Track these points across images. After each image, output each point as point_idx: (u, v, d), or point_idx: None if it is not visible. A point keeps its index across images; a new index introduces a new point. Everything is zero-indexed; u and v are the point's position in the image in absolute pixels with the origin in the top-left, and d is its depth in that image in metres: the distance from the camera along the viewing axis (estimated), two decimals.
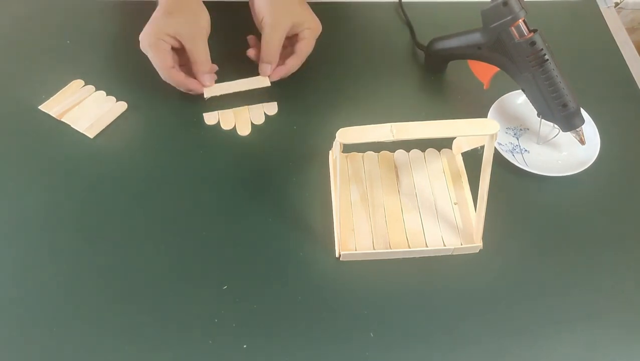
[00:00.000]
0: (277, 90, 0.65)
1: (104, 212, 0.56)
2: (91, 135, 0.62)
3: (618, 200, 0.59)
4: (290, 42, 0.64)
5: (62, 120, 0.62)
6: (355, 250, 0.53)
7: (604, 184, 0.60)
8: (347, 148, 0.60)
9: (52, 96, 0.65)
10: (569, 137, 0.60)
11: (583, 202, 0.59)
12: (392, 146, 0.61)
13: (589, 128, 0.62)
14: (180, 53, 0.61)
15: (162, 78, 0.61)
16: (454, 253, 0.54)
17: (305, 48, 0.62)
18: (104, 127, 0.62)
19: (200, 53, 0.60)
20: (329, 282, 0.52)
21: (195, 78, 0.62)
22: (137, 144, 0.62)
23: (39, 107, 0.63)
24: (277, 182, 0.59)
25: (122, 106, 0.64)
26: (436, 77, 0.70)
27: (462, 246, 0.54)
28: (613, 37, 0.75)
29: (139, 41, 0.59)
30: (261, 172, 0.60)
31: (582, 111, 0.59)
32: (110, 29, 0.73)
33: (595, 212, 0.58)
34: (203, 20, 0.60)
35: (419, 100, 0.68)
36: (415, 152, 0.61)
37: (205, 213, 0.56)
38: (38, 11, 0.75)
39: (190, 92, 0.63)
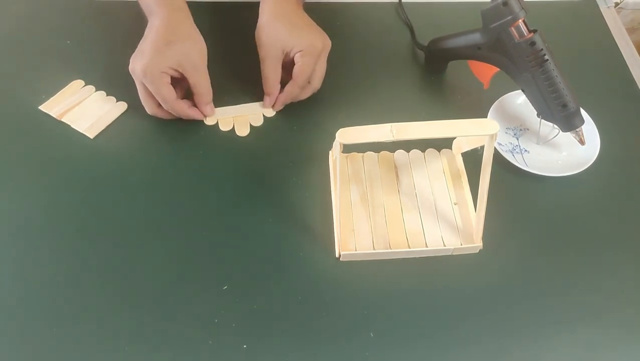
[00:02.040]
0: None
1: (104, 212, 0.56)
2: (91, 135, 0.62)
3: (618, 200, 0.59)
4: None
5: (62, 120, 0.63)
6: (355, 250, 0.53)
7: (604, 184, 0.60)
8: (347, 149, 0.60)
9: (52, 96, 0.65)
10: (568, 137, 0.60)
11: (583, 202, 0.59)
12: (392, 146, 0.61)
13: (589, 128, 0.62)
14: (175, 81, 0.59)
15: (165, 108, 0.60)
16: (454, 253, 0.54)
17: (298, 72, 0.60)
18: (104, 128, 0.62)
19: (204, 84, 0.60)
20: (329, 282, 0.52)
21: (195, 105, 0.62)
22: (137, 144, 0.62)
23: (39, 107, 0.64)
24: (277, 182, 0.59)
25: (122, 106, 0.64)
26: (436, 77, 0.70)
27: (462, 246, 0.54)
28: (613, 37, 0.75)
29: (137, 42, 0.58)
30: (261, 172, 0.60)
31: (582, 111, 0.59)
32: (111, 29, 0.73)
33: (595, 212, 0.58)
34: (203, 49, 0.59)
35: (419, 100, 0.68)
36: (415, 152, 0.61)
37: (206, 213, 0.56)
38: (38, 11, 0.75)
39: (188, 119, 0.62)
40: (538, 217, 0.57)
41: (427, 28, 0.72)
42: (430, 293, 0.52)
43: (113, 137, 0.62)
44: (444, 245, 0.54)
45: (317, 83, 0.63)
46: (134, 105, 0.64)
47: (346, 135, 0.46)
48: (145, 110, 0.61)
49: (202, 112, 0.62)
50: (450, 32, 0.64)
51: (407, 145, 0.62)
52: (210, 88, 0.61)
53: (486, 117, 0.63)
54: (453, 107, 0.67)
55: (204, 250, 0.54)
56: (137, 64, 0.56)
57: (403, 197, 0.58)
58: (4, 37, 0.71)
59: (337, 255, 0.53)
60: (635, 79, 0.70)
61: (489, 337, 0.50)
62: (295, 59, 0.60)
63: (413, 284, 0.52)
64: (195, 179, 0.59)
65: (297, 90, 0.62)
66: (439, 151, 0.61)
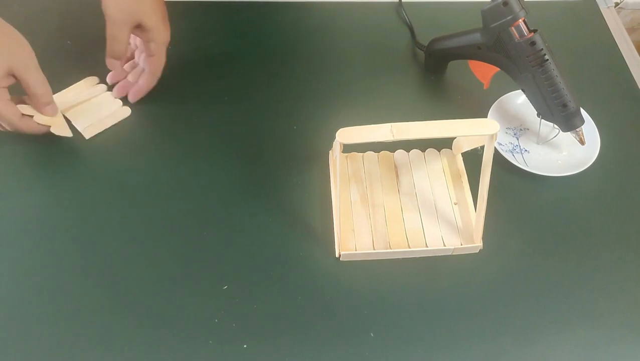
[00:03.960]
0: (273, 90, 0.65)
1: (103, 212, 0.56)
2: (87, 135, 0.61)
3: (618, 200, 0.59)
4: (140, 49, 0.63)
5: (66, 115, 0.62)
6: (355, 250, 0.53)
7: (604, 184, 0.60)
8: (347, 148, 0.60)
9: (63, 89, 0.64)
10: (568, 137, 0.60)
11: (583, 202, 0.59)
12: (392, 146, 0.61)
13: (589, 128, 0.62)
14: None
15: (11, 129, 0.56)
16: (454, 253, 0.54)
17: (159, 64, 0.61)
18: (101, 130, 0.62)
19: (39, 83, 0.55)
20: (329, 282, 0.52)
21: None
22: (137, 144, 0.62)
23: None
24: (277, 182, 0.59)
25: (126, 111, 0.64)
26: (436, 77, 0.70)
27: (462, 246, 0.54)
28: (613, 37, 0.75)
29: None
30: (261, 172, 0.60)
31: (582, 111, 0.59)
32: None
33: (595, 212, 0.58)
34: (27, 46, 0.54)
35: (419, 100, 0.68)
36: (415, 152, 0.61)
37: (205, 213, 0.56)
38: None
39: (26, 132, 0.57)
40: (538, 217, 0.57)
41: (427, 28, 0.72)
42: (430, 293, 0.52)
43: (111, 139, 0.62)
44: (444, 245, 0.54)
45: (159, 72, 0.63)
46: (137, 111, 0.64)
47: (346, 135, 0.46)
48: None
49: (44, 114, 0.57)
50: (451, 32, 0.64)
51: (407, 145, 0.62)
52: (49, 86, 0.56)
53: (486, 117, 0.63)
54: (453, 107, 0.67)
55: (204, 250, 0.54)
56: None
57: (403, 196, 0.58)
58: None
59: (337, 255, 0.53)
60: (635, 79, 0.70)
61: (489, 337, 0.50)
62: (153, 49, 0.60)
63: (413, 284, 0.52)
64: (195, 179, 0.59)
65: (153, 84, 0.62)
66: (439, 151, 0.61)
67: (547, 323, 0.50)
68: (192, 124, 0.63)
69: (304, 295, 0.51)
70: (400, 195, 0.58)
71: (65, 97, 0.64)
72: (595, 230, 0.57)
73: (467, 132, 0.47)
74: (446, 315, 0.51)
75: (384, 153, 0.61)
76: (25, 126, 0.56)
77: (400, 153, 0.61)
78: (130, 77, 0.65)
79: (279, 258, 0.54)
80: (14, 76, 0.53)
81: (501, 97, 0.65)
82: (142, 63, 0.64)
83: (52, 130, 0.58)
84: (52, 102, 0.58)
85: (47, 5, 0.75)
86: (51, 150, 0.60)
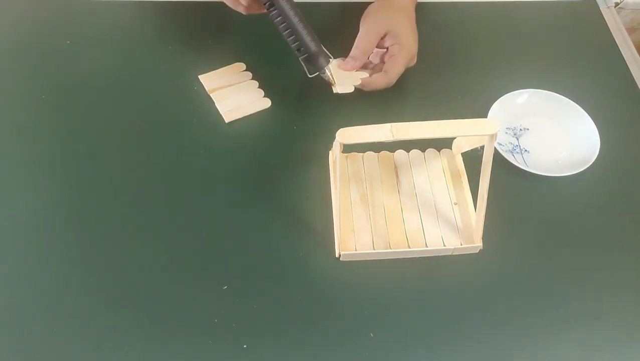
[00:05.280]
0: (276, 90, 0.65)
1: (103, 212, 0.56)
2: (227, 119, 0.63)
3: (618, 200, 0.59)
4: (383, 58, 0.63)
5: (212, 95, 0.64)
6: (355, 250, 0.53)
7: (604, 184, 0.60)
8: (347, 149, 0.60)
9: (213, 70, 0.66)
10: (568, 137, 0.60)
11: (583, 202, 0.59)
12: (392, 146, 0.61)
13: (589, 128, 0.62)
14: None
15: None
16: (454, 253, 0.54)
17: (392, 65, 0.60)
18: (241, 116, 0.63)
19: None
20: (329, 282, 0.52)
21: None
22: (137, 144, 0.62)
23: (199, 76, 0.66)
24: (277, 182, 0.59)
25: (266, 102, 0.64)
26: (436, 77, 0.70)
27: (462, 246, 0.54)
28: (613, 37, 0.75)
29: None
30: (261, 172, 0.60)
31: (582, 111, 0.59)
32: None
33: (595, 212, 0.58)
34: None
35: (419, 100, 0.68)
36: (415, 152, 0.61)
37: (206, 213, 0.56)
38: None
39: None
40: (538, 217, 0.57)
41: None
42: (430, 293, 0.52)
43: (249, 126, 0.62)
44: (444, 245, 0.54)
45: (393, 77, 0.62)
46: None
47: (346, 135, 0.46)
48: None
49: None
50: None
51: (407, 145, 0.62)
52: None
53: (486, 117, 0.63)
54: (453, 107, 0.67)
55: (204, 250, 0.54)
56: None
57: (403, 196, 0.58)
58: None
59: (337, 255, 0.53)
60: (635, 79, 0.70)
61: (489, 337, 0.50)
62: (392, 50, 0.60)
63: (413, 284, 0.52)
64: (195, 179, 0.59)
65: (382, 84, 0.61)
66: (439, 151, 0.61)
67: (547, 323, 0.50)
68: (192, 123, 0.63)
69: (304, 295, 0.51)
70: (400, 195, 0.58)
71: (212, 79, 0.66)
72: (595, 230, 0.57)
73: (467, 132, 0.47)
74: (446, 315, 0.51)
75: (384, 153, 0.61)
76: None
77: (400, 153, 0.61)
78: (372, 58, 0.64)
79: (279, 258, 0.54)
80: None
81: (501, 97, 0.65)
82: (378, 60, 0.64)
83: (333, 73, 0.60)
84: None
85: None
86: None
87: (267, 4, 0.55)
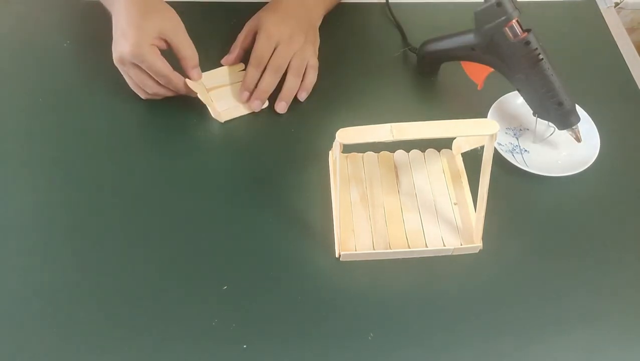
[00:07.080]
0: (275, 90, 0.65)
1: (101, 212, 0.56)
2: (222, 119, 0.63)
3: (618, 200, 0.59)
4: None
5: (210, 94, 0.64)
6: (355, 250, 0.53)
7: (604, 184, 0.60)
8: (347, 149, 0.60)
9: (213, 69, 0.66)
10: (568, 137, 0.60)
11: (583, 202, 0.59)
12: (392, 146, 0.61)
13: (589, 128, 0.62)
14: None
15: (163, 83, 0.60)
16: (454, 254, 0.54)
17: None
18: (236, 116, 0.63)
19: (188, 46, 0.60)
20: (329, 282, 0.52)
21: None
22: (136, 144, 0.62)
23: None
24: (277, 182, 0.59)
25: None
26: (436, 77, 0.70)
27: (462, 246, 0.54)
28: (613, 37, 0.75)
29: None
30: (261, 172, 0.60)
31: (582, 111, 0.59)
32: None
33: (595, 212, 0.58)
34: (175, 14, 0.60)
35: (419, 100, 0.68)
36: (415, 152, 0.61)
37: (205, 213, 0.56)
38: None
39: (177, 94, 0.63)
40: (538, 217, 0.57)
41: (419, 29, 0.71)
42: (430, 293, 0.52)
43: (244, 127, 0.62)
44: (444, 245, 0.54)
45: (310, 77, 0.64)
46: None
47: (346, 135, 0.46)
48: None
49: (190, 77, 0.62)
50: (441, 33, 0.64)
51: (407, 145, 0.62)
52: (195, 50, 0.60)
53: (486, 117, 0.63)
54: (453, 108, 0.67)
55: (203, 250, 0.54)
56: (124, 48, 0.56)
57: (403, 197, 0.58)
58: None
59: (337, 255, 0.53)
60: (635, 79, 0.70)
61: (489, 337, 0.50)
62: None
63: (413, 284, 0.52)
64: (195, 179, 0.59)
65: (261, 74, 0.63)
66: (439, 151, 0.61)
67: (546, 324, 0.50)
68: (192, 123, 0.63)
69: (304, 295, 0.51)
70: (400, 195, 0.58)
71: (210, 78, 0.66)
72: (595, 230, 0.57)
73: (467, 132, 0.47)
74: (446, 315, 0.51)
75: (384, 153, 0.61)
76: (176, 78, 0.60)
77: (400, 153, 0.61)
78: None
79: (279, 258, 0.53)
80: (165, 41, 0.59)
81: (501, 97, 0.65)
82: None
83: (199, 96, 0.61)
84: (197, 65, 0.62)
85: None
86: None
87: (540, 54, 0.54)
